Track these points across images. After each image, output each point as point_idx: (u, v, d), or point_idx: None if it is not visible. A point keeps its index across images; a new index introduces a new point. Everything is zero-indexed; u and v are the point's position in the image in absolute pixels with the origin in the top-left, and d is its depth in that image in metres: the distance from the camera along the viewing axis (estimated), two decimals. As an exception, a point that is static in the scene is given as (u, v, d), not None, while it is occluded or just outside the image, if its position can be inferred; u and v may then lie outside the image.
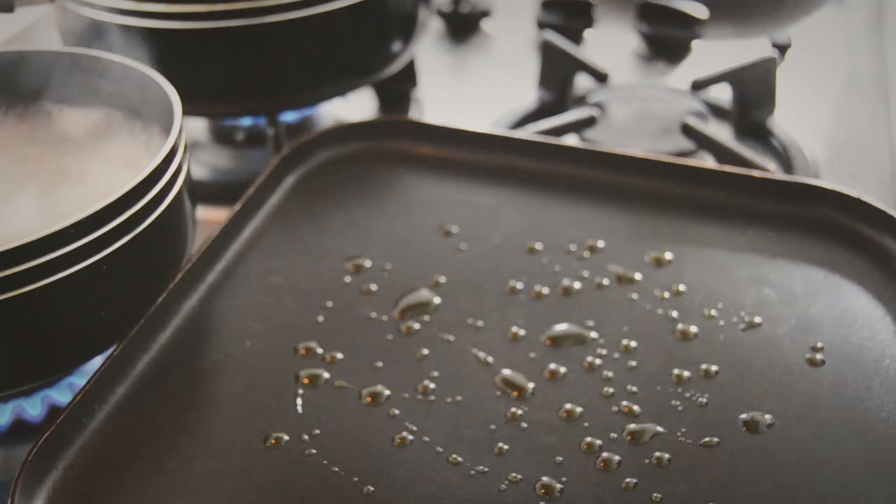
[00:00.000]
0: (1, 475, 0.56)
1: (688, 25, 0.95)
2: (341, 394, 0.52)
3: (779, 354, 0.53)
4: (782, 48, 0.95)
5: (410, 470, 0.47)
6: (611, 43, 0.98)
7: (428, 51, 0.98)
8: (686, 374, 0.52)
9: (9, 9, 0.70)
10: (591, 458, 0.47)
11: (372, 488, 0.46)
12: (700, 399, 0.50)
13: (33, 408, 0.57)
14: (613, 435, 0.49)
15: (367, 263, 0.61)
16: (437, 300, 0.58)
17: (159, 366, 0.53)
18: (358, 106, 0.89)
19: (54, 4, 0.74)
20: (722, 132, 0.81)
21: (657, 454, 0.47)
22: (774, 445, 0.48)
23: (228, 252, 0.61)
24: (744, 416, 0.49)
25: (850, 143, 0.82)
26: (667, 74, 0.93)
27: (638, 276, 0.59)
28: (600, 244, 0.61)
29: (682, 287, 0.58)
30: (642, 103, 0.83)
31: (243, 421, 0.50)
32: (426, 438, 0.49)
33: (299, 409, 0.51)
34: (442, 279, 0.59)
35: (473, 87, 0.94)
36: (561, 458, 0.47)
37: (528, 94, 0.88)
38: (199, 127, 0.85)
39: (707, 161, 0.76)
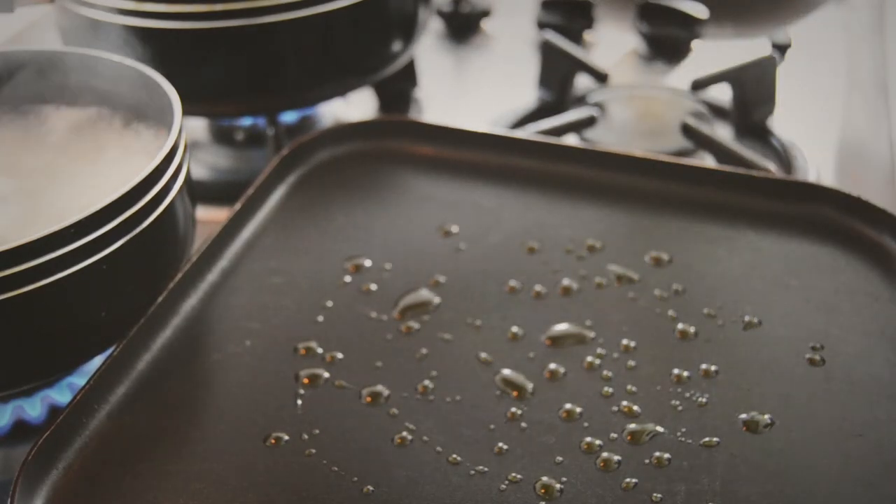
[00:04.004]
0: (1, 475, 0.56)
1: (688, 25, 0.95)
2: (341, 393, 0.52)
3: (779, 354, 0.53)
4: (782, 48, 0.95)
5: (410, 470, 0.47)
6: (611, 43, 0.98)
7: (428, 51, 0.98)
8: (686, 374, 0.52)
9: (9, 9, 0.70)
10: (591, 458, 0.47)
11: (372, 488, 0.46)
12: (700, 399, 0.50)
13: (33, 408, 0.57)
14: (613, 435, 0.49)
15: (367, 263, 0.61)
16: (437, 300, 0.58)
17: (159, 366, 0.53)
18: (358, 106, 0.89)
19: (54, 4, 0.74)
20: (722, 132, 0.81)
21: (657, 454, 0.47)
22: (774, 445, 0.48)
23: (228, 252, 0.61)
24: (744, 416, 0.49)
25: (850, 143, 0.82)
26: (667, 74, 0.93)
27: (637, 275, 0.59)
28: (600, 244, 0.61)
29: (681, 287, 0.58)
30: (642, 103, 0.83)
31: (243, 421, 0.50)
32: (426, 438, 0.49)
33: (299, 409, 0.51)
34: (442, 279, 0.59)
35: (473, 87, 0.94)
36: (561, 458, 0.47)
37: (528, 94, 0.88)
38: (199, 127, 0.85)
39: (707, 161, 0.76)
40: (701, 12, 0.94)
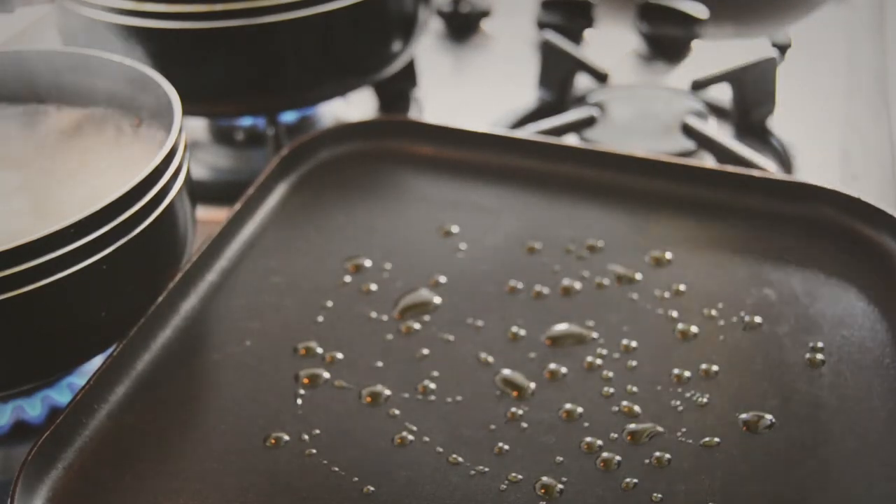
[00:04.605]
0: (1, 475, 0.56)
1: (688, 25, 0.95)
2: (341, 394, 0.52)
3: (779, 354, 0.53)
4: (782, 48, 0.95)
5: (410, 470, 0.47)
6: (611, 43, 0.98)
7: (428, 51, 0.98)
8: (686, 374, 0.52)
9: (9, 9, 0.70)
10: (591, 458, 0.47)
11: (372, 488, 0.46)
12: (700, 399, 0.50)
13: (33, 408, 0.57)
14: (613, 435, 0.49)
15: (367, 263, 0.61)
16: (437, 300, 0.58)
17: (159, 366, 0.53)
18: (358, 106, 0.89)
19: (54, 4, 0.74)
20: (722, 132, 0.81)
21: (657, 454, 0.47)
22: (774, 445, 0.48)
23: (228, 252, 0.61)
24: (744, 416, 0.49)
25: (850, 143, 0.82)
26: (667, 74, 0.93)
27: (638, 275, 0.59)
28: (600, 244, 0.61)
29: (682, 287, 0.58)
30: (642, 103, 0.83)
31: (243, 421, 0.50)
32: (426, 438, 0.49)
33: (299, 409, 0.51)
34: (442, 279, 0.59)
35: (473, 87, 0.94)
36: (561, 458, 0.47)
37: (528, 94, 0.88)
38: (199, 127, 0.85)
39: (707, 161, 0.76)
40: (701, 12, 0.94)
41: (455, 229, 0.63)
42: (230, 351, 0.54)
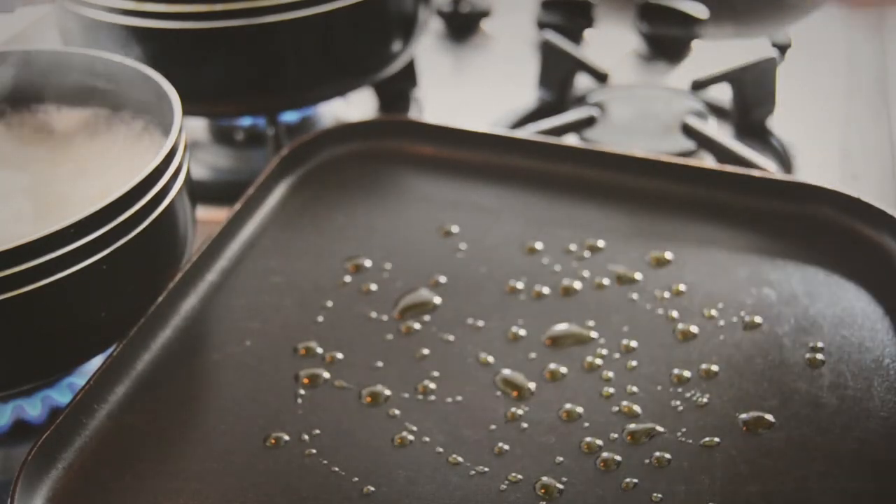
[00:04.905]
0: (1, 475, 0.56)
1: (688, 25, 0.95)
2: (341, 394, 0.52)
3: (779, 354, 0.53)
4: (782, 48, 0.95)
5: (410, 470, 0.47)
6: (611, 43, 0.98)
7: (428, 51, 0.98)
8: (686, 374, 0.52)
9: (9, 9, 0.70)
10: (591, 458, 0.47)
11: (372, 488, 0.46)
12: (700, 399, 0.50)
13: (33, 408, 0.57)
14: (613, 435, 0.49)
15: (367, 263, 0.61)
16: (437, 300, 0.58)
17: (159, 366, 0.53)
18: (358, 106, 0.89)
19: (54, 4, 0.74)
20: (722, 132, 0.81)
21: (657, 454, 0.47)
22: (774, 445, 0.48)
23: (228, 252, 0.61)
24: (744, 416, 0.49)
25: (850, 143, 0.82)
26: (667, 74, 0.93)
27: (638, 276, 0.59)
28: (600, 244, 0.61)
29: (682, 287, 0.58)
30: (642, 103, 0.83)
31: (243, 421, 0.50)
32: (426, 438, 0.49)
33: (299, 409, 0.51)
34: (442, 279, 0.59)
35: (473, 87, 0.94)
36: (561, 458, 0.47)
37: (528, 94, 0.88)
38: (199, 127, 0.85)
39: (707, 161, 0.76)
40: (701, 12, 0.94)
41: (455, 229, 0.63)
42: (230, 351, 0.54)
